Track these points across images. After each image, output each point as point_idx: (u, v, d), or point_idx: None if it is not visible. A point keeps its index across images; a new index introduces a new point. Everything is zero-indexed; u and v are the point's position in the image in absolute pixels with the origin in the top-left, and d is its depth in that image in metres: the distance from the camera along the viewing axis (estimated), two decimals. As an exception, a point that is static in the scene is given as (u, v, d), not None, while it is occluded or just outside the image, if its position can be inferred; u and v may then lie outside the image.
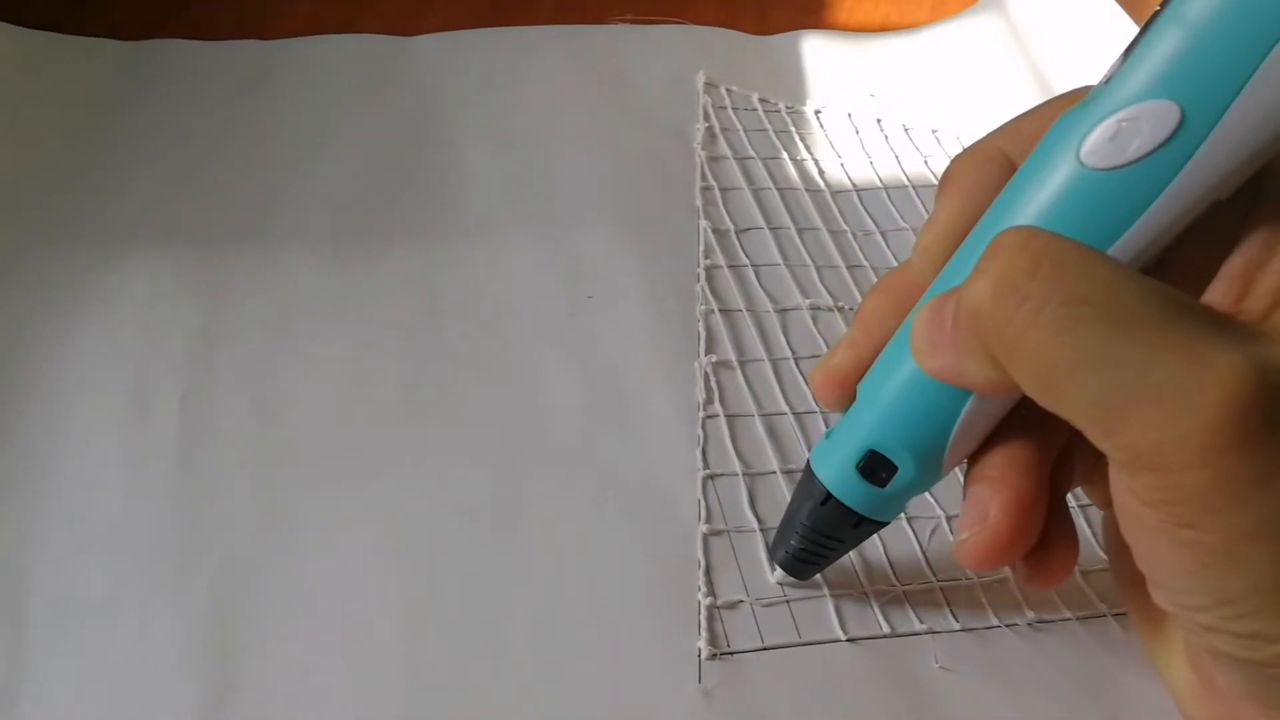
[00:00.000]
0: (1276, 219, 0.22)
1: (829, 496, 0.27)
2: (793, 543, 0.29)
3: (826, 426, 0.36)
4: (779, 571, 0.31)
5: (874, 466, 0.26)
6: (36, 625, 0.29)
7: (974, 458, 0.26)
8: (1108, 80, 0.22)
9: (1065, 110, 0.23)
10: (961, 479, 0.26)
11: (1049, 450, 0.25)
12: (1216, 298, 0.22)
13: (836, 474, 0.27)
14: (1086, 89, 0.23)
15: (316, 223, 0.41)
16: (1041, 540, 0.25)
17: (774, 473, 0.34)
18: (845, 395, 0.27)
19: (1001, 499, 0.24)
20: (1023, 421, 0.25)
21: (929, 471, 0.26)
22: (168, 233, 0.40)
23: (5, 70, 0.46)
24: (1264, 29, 0.19)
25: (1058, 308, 0.20)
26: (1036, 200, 0.22)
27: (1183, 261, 0.23)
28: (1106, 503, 0.26)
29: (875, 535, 0.32)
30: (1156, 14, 0.21)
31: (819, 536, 0.28)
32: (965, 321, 0.22)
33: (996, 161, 0.25)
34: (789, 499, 0.30)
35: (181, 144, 0.44)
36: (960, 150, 0.27)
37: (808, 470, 0.28)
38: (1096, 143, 0.21)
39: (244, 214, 0.41)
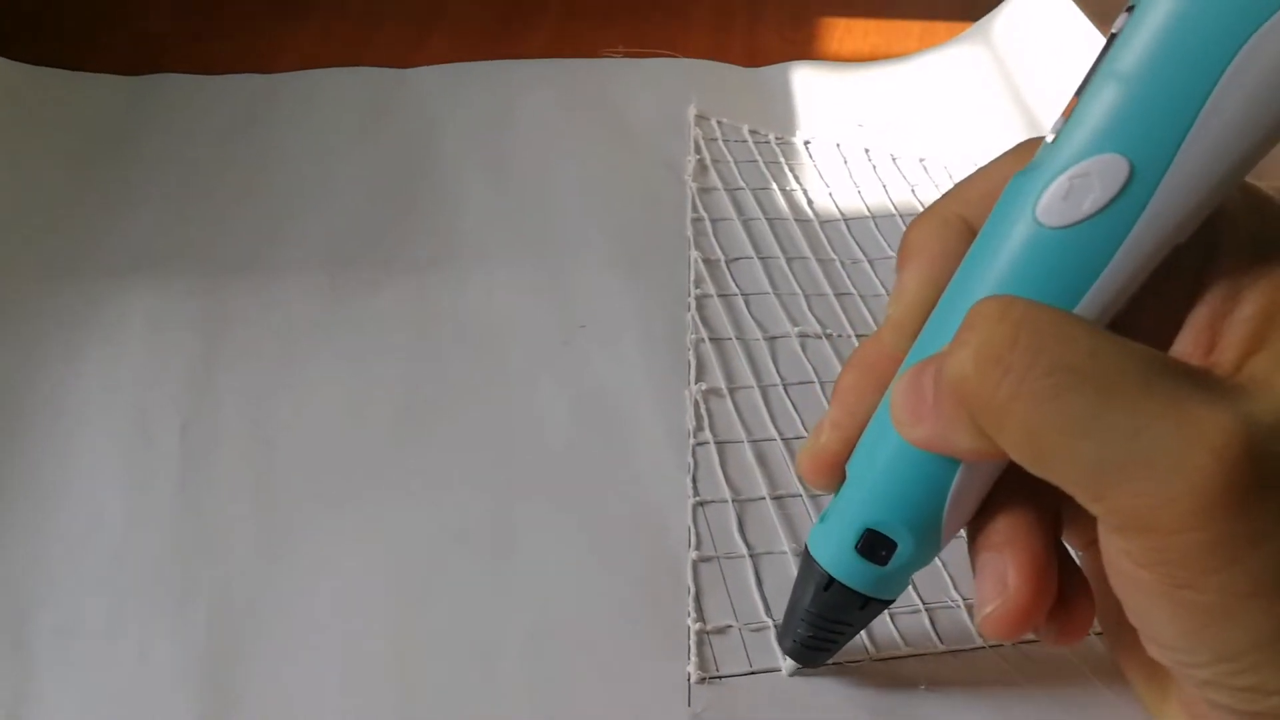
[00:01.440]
0: (1234, 267, 0.22)
1: (831, 581, 0.26)
2: (800, 631, 0.28)
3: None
4: (789, 663, 0.30)
5: (873, 545, 0.25)
6: (39, 650, 0.30)
7: (975, 525, 0.25)
8: (1054, 138, 0.22)
9: (1015, 170, 0.23)
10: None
11: (1048, 508, 0.25)
12: (1186, 349, 0.22)
13: (836, 557, 0.26)
14: (1033, 142, 0.23)
15: (315, 253, 0.42)
16: (1059, 596, 0.25)
17: (763, 499, 0.35)
18: (835, 476, 0.27)
19: (1016, 565, 0.24)
20: (1018, 483, 0.24)
21: (928, 543, 0.25)
22: (169, 263, 0.41)
23: (7, 106, 0.46)
24: (1198, 76, 0.20)
25: (1042, 376, 0.20)
26: (999, 265, 0.22)
27: (1147, 314, 0.23)
28: (1086, 544, 0.26)
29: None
30: (1093, 70, 0.21)
31: (826, 622, 0.28)
32: (949, 393, 0.22)
33: (954, 227, 0.25)
34: (791, 582, 0.29)
35: (183, 176, 0.45)
36: (918, 214, 0.27)
37: (806, 556, 0.27)
38: (1051, 201, 0.21)
39: (243, 245, 0.42)
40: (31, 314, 0.39)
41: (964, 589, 0.33)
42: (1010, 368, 0.20)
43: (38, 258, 0.41)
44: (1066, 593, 0.25)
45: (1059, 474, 0.21)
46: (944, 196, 0.26)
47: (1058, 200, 0.21)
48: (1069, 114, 0.22)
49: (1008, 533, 0.24)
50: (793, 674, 0.30)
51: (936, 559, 0.33)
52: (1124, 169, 0.21)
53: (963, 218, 0.25)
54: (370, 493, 0.34)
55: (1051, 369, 0.20)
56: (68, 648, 0.30)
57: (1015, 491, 0.25)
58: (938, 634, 0.32)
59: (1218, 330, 0.22)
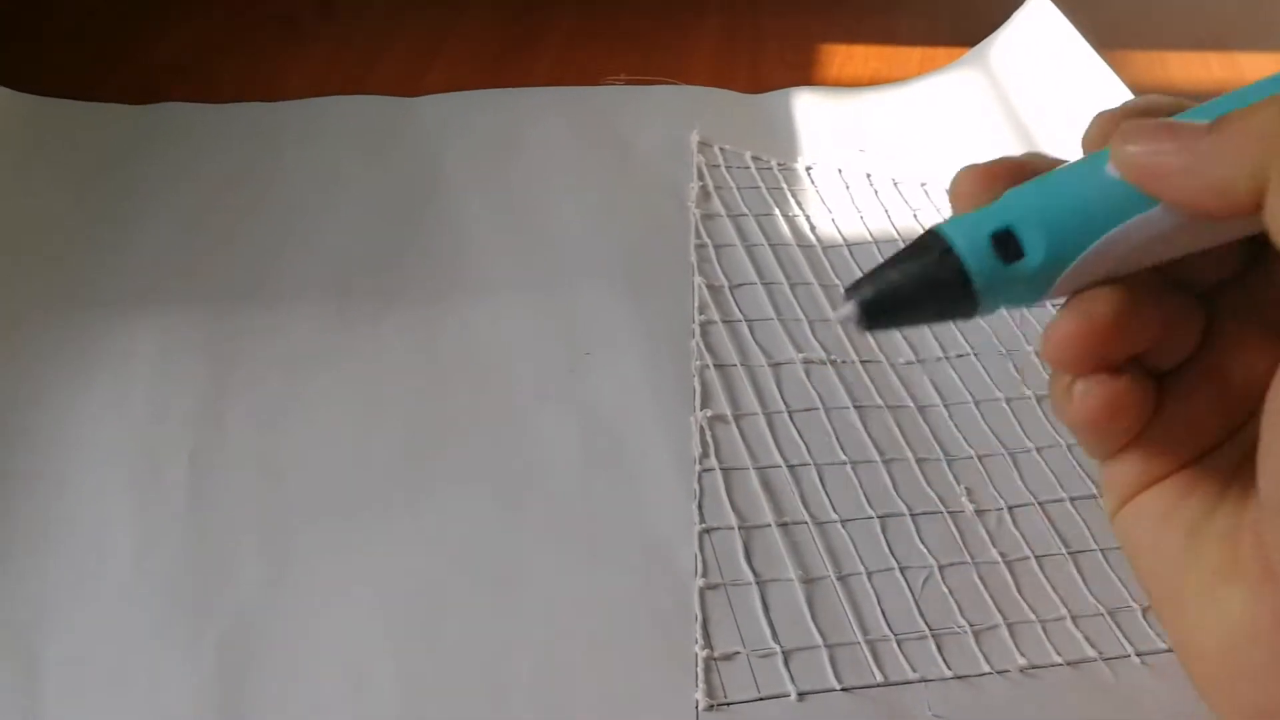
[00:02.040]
0: None
1: (950, 250, 0.25)
2: (890, 279, 0.26)
3: (821, 479, 0.37)
4: (850, 306, 0.26)
5: (1004, 244, 0.25)
6: (49, 680, 0.30)
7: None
8: None
9: None
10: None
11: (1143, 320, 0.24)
12: None
13: (966, 233, 0.25)
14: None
15: (321, 281, 0.42)
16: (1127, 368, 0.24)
17: (769, 525, 0.35)
18: (986, 191, 0.25)
19: (1107, 305, 0.24)
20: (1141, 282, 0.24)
21: (1050, 271, 0.24)
22: (175, 293, 0.41)
23: (15, 137, 0.47)
24: None
25: None
26: None
27: None
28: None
29: (869, 585, 0.33)
30: None
31: (918, 286, 0.26)
32: (1247, 132, 0.21)
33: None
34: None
35: (188, 206, 0.45)
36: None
37: (929, 231, 0.26)
38: None
39: (249, 273, 0.42)
40: (40, 343, 0.39)
41: (970, 615, 0.33)
42: None
43: (46, 287, 0.41)
44: (1137, 371, 0.24)
45: None
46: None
47: None
48: None
49: (1107, 291, 0.24)
50: (842, 320, 0.26)
51: (941, 584, 0.34)
52: None
53: None
54: (377, 521, 0.34)
55: None
56: (78, 678, 0.30)
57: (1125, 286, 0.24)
58: (945, 659, 0.32)
59: None
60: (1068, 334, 0.24)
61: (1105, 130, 0.25)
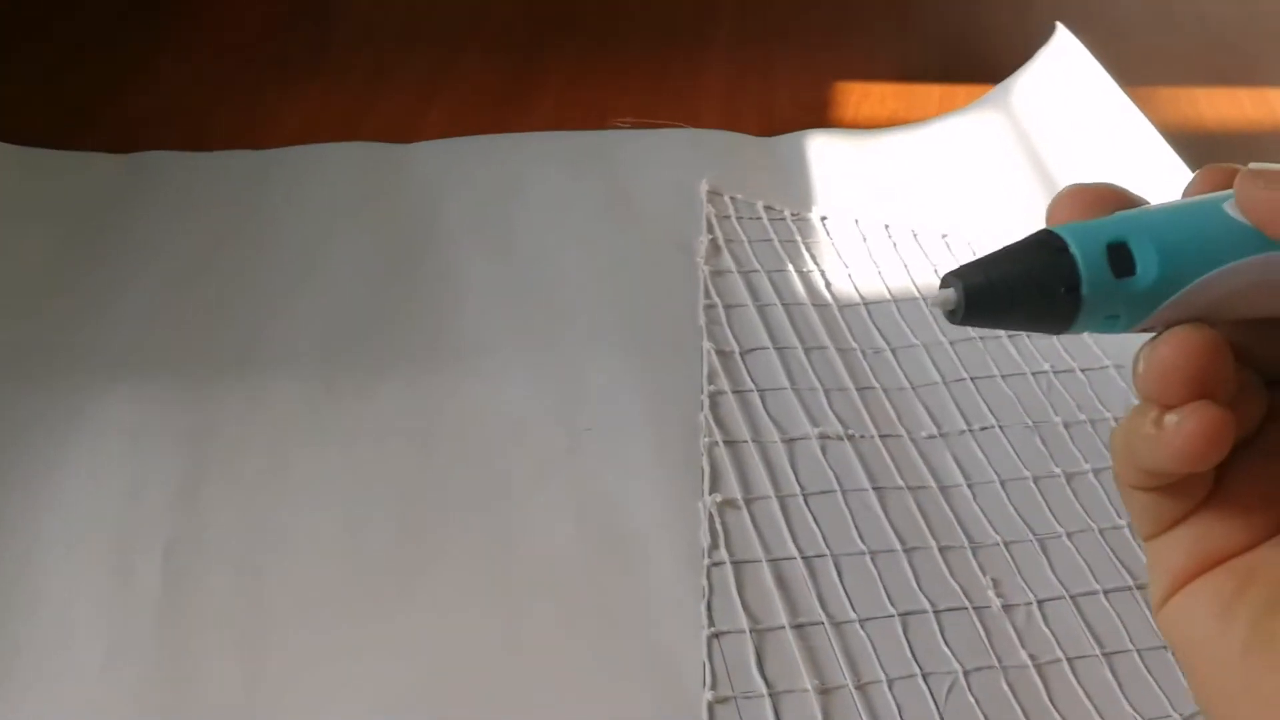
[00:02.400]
0: None
1: (1066, 248, 0.24)
2: (1001, 267, 0.25)
3: (839, 572, 0.34)
4: (951, 293, 0.25)
5: (1118, 257, 0.24)
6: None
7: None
8: None
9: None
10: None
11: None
12: None
13: (1082, 238, 0.24)
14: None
15: (308, 350, 0.40)
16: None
17: (783, 627, 0.33)
18: (1090, 208, 0.25)
19: (1211, 334, 0.23)
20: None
21: (1157, 295, 0.24)
22: (156, 360, 0.39)
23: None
24: None
25: None
26: None
27: None
28: None
29: (889, 694, 0.31)
30: None
31: (1025, 280, 0.25)
32: None
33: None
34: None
35: (172, 264, 0.43)
36: None
37: (1044, 231, 0.25)
38: None
39: (234, 342, 0.40)
40: (11, 416, 0.37)
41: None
42: None
43: (16, 354, 0.39)
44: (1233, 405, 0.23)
45: None
46: None
47: None
48: None
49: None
50: (937, 304, 0.25)
51: (967, 692, 0.31)
52: None
53: None
54: (363, 625, 0.32)
55: None
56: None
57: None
58: (972, 781, 0.30)
59: None
60: (1178, 354, 0.23)
61: (1212, 179, 0.25)
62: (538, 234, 0.46)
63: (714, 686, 0.31)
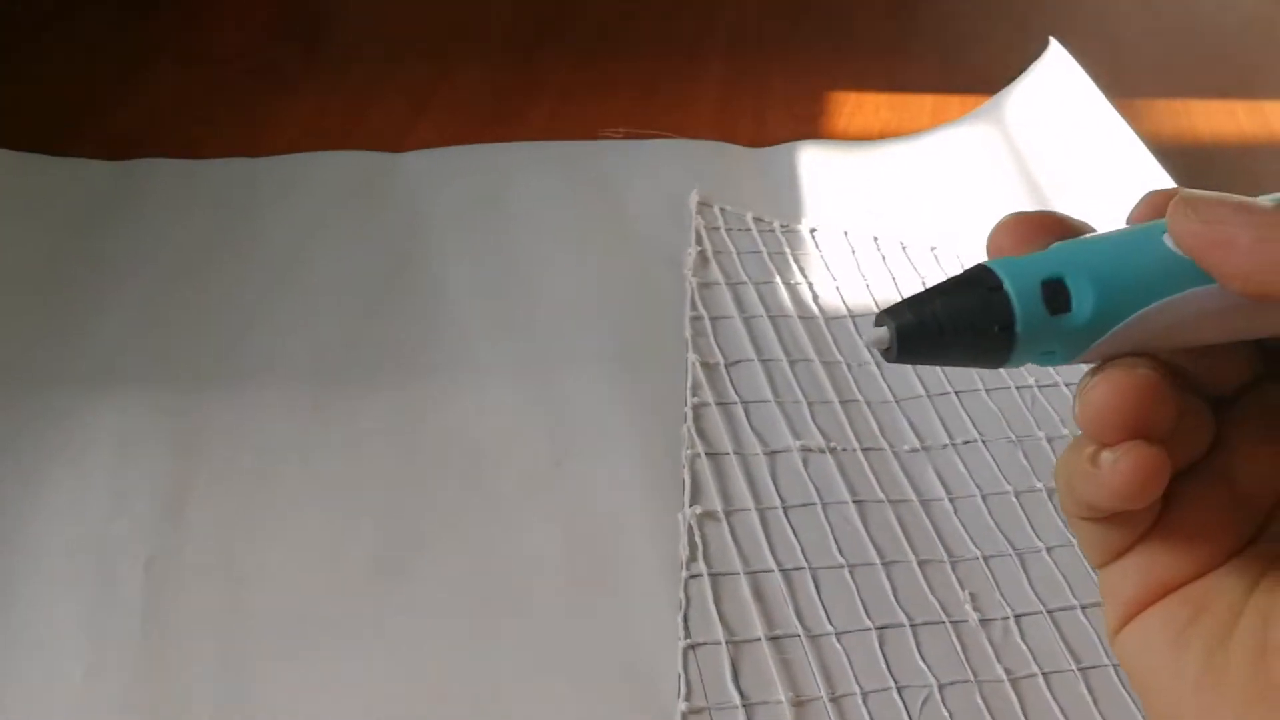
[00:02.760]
0: None
1: (1001, 286, 0.24)
2: (931, 308, 0.25)
3: (816, 585, 0.35)
4: (883, 332, 0.25)
5: (1055, 294, 0.24)
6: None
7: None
8: None
9: None
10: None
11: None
12: None
13: (1017, 275, 0.24)
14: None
15: (295, 364, 0.40)
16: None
17: (759, 639, 0.33)
18: (1030, 238, 0.25)
19: (1151, 364, 0.23)
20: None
21: (1092, 332, 0.24)
22: (141, 373, 0.39)
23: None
24: None
25: None
26: None
27: None
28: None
29: (864, 707, 0.31)
30: None
31: (958, 319, 0.25)
32: None
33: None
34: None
35: (160, 273, 0.43)
36: None
37: (979, 266, 0.25)
38: None
39: (221, 353, 0.40)
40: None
41: (973, 742, 0.31)
42: None
43: (3, 361, 0.39)
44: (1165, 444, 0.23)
45: None
46: None
47: None
48: None
49: (1148, 360, 0.23)
50: (872, 344, 0.26)
51: (941, 706, 0.31)
52: None
53: None
54: (347, 642, 0.32)
55: None
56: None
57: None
58: (944, 796, 0.30)
59: None
60: (1112, 395, 0.23)
61: (1156, 206, 0.24)
62: (526, 244, 0.46)
63: (688, 697, 0.31)
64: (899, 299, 0.45)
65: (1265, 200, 0.23)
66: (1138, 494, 0.23)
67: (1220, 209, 0.22)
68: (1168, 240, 0.23)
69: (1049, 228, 0.25)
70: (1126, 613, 0.25)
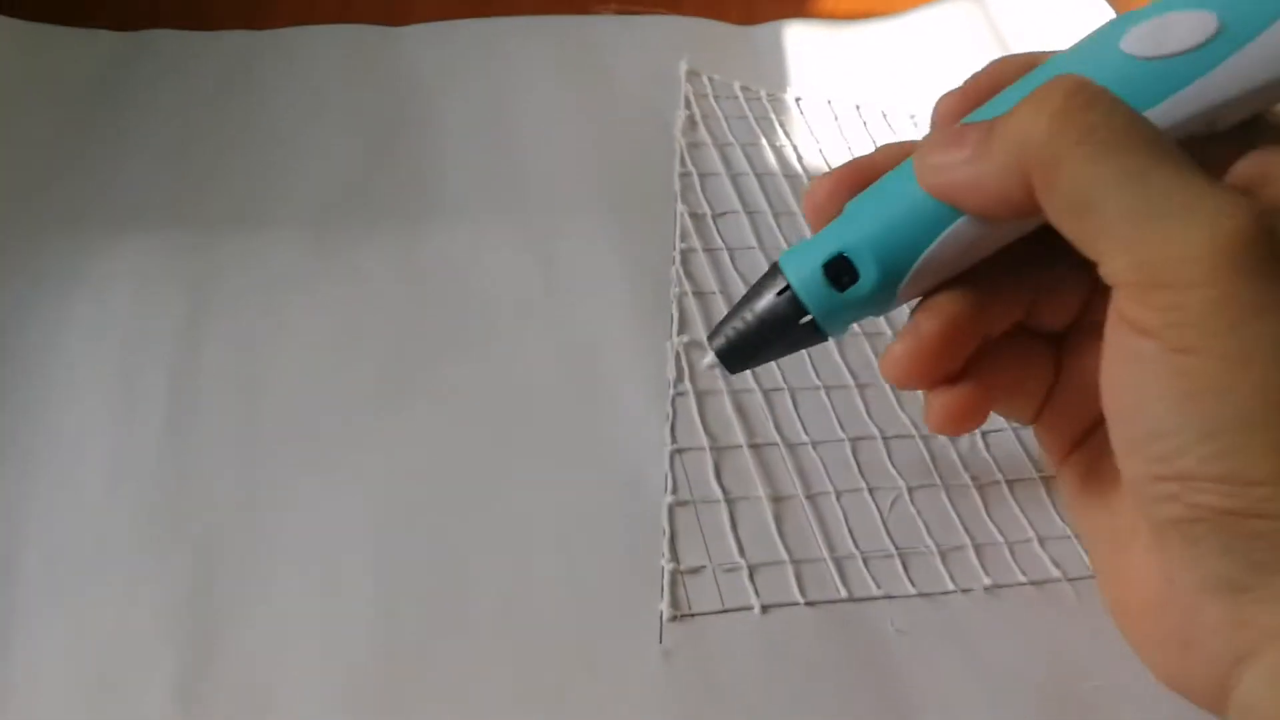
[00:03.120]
0: (1271, 152, 0.24)
1: (787, 288, 0.27)
2: (736, 326, 0.29)
3: (794, 403, 0.37)
4: (711, 357, 0.30)
5: (839, 271, 0.27)
6: (29, 584, 0.30)
7: (925, 297, 0.27)
8: None
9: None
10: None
11: (990, 311, 0.27)
12: None
13: (801, 270, 0.27)
14: None
15: (302, 209, 0.42)
16: (959, 381, 0.27)
17: (740, 446, 0.35)
18: (831, 207, 0.28)
19: (938, 319, 0.26)
20: (974, 282, 0.27)
21: (885, 292, 0.27)
22: (157, 219, 0.41)
23: (1, 59, 0.47)
24: None
25: (1106, 133, 0.22)
26: (1074, 68, 0.24)
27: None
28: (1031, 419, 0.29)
29: (837, 504, 0.34)
30: None
31: (763, 327, 0.28)
32: (1008, 140, 0.23)
33: (1027, 61, 0.27)
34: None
35: (172, 132, 0.45)
36: None
37: (772, 267, 0.28)
38: (1138, 35, 0.24)
39: (231, 200, 0.42)
40: (21, 267, 0.39)
41: (937, 536, 0.34)
42: (1081, 124, 0.22)
43: (29, 212, 0.41)
44: (968, 382, 0.27)
45: (1097, 221, 0.22)
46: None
47: (1145, 35, 0.24)
48: None
49: (943, 300, 0.27)
50: (709, 368, 0.30)
51: (910, 505, 0.34)
52: (1212, 26, 0.23)
53: (1035, 63, 0.27)
54: (353, 442, 0.35)
55: (1116, 129, 0.22)
56: (56, 584, 0.30)
57: (971, 282, 0.27)
58: (910, 577, 0.33)
59: (1259, 184, 0.24)
60: (895, 356, 0.27)
61: (1001, 72, 0.28)
62: (522, 109, 0.48)
63: (675, 492, 0.34)
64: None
65: (970, 120, 0.26)
66: (952, 431, 0.28)
67: (938, 152, 0.25)
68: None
69: (847, 185, 0.28)
70: (1053, 461, 0.29)
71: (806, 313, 0.27)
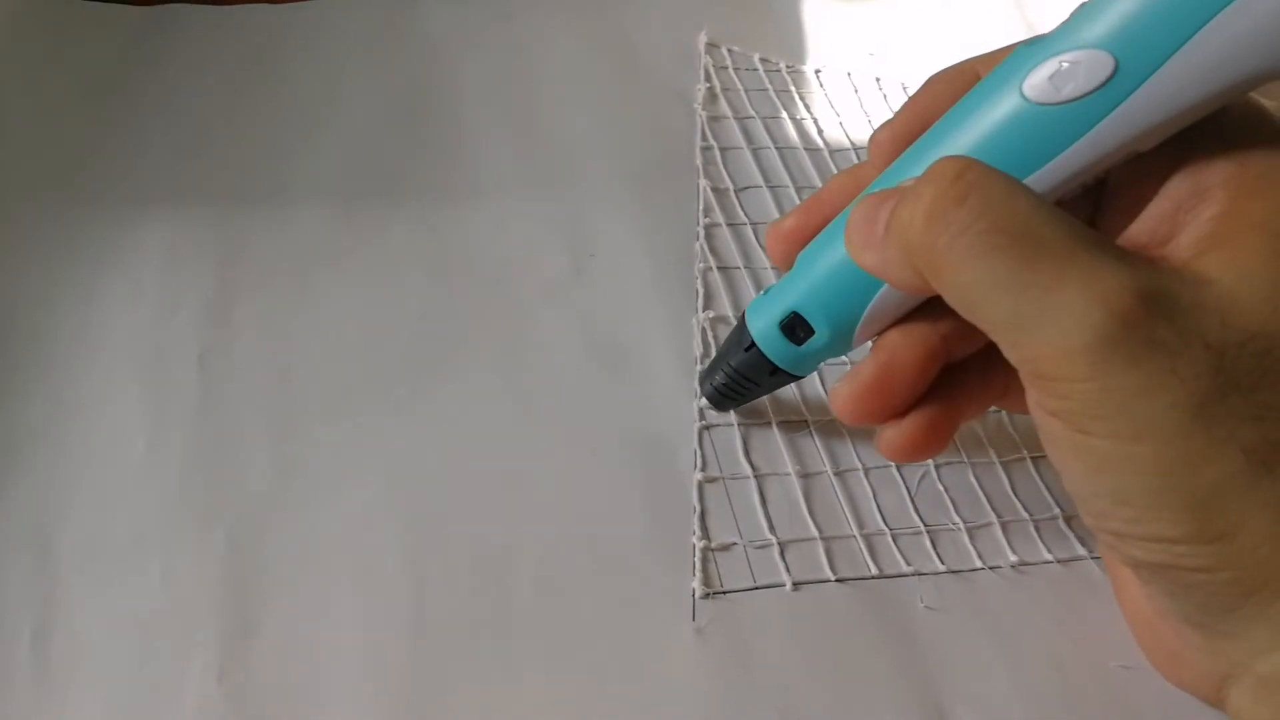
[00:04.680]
0: (1204, 166, 0.24)
1: (753, 344, 0.31)
2: (718, 379, 0.33)
3: (822, 380, 0.37)
4: (703, 400, 0.35)
5: (795, 327, 0.30)
6: (65, 566, 0.31)
7: (881, 333, 0.29)
8: (1063, 22, 0.24)
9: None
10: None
11: (944, 342, 0.28)
12: (1142, 238, 0.24)
13: (762, 327, 0.30)
14: None
15: (328, 183, 0.42)
16: (910, 414, 0.28)
17: (769, 424, 0.35)
18: (789, 255, 0.31)
19: (877, 361, 0.28)
20: (929, 314, 0.28)
21: (841, 340, 0.29)
22: (184, 195, 0.41)
23: (22, 36, 0.47)
24: (1201, 5, 0.21)
25: (978, 235, 0.23)
26: (979, 122, 0.25)
27: (1117, 197, 0.26)
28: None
29: (866, 481, 0.34)
30: None
31: (740, 377, 0.32)
32: (896, 235, 0.25)
33: (966, 79, 0.28)
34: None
35: (196, 108, 0.45)
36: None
37: (741, 319, 0.32)
38: (1038, 79, 0.24)
39: (258, 175, 0.42)
40: (51, 244, 0.39)
41: (965, 513, 0.34)
42: (952, 224, 0.23)
43: (56, 189, 0.41)
44: (920, 417, 0.29)
45: (983, 321, 0.24)
46: (976, 55, 0.29)
47: (1044, 79, 0.23)
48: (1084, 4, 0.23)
49: (890, 340, 0.28)
50: (702, 409, 0.35)
51: (937, 483, 0.34)
52: (1109, 66, 0.23)
53: (977, 73, 0.28)
54: (384, 418, 0.35)
55: (988, 230, 0.23)
56: (92, 562, 0.31)
57: (920, 317, 0.28)
58: (938, 554, 0.33)
59: (1179, 223, 0.24)
60: (840, 398, 0.29)
61: (945, 86, 0.29)
62: (543, 81, 0.48)
63: (704, 468, 0.34)
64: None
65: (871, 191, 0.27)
66: (903, 460, 0.32)
67: (856, 231, 0.26)
68: None
69: (795, 235, 0.31)
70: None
71: (773, 365, 0.31)
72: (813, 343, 0.30)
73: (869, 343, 0.30)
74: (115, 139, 0.43)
